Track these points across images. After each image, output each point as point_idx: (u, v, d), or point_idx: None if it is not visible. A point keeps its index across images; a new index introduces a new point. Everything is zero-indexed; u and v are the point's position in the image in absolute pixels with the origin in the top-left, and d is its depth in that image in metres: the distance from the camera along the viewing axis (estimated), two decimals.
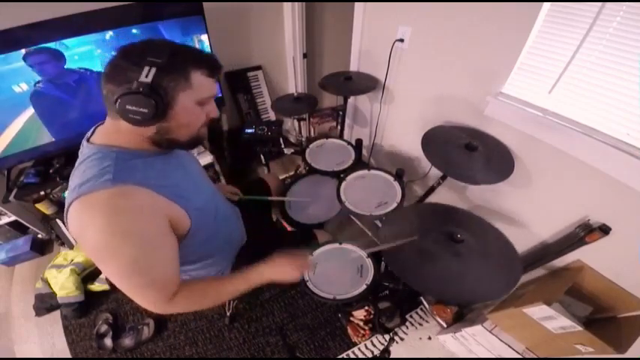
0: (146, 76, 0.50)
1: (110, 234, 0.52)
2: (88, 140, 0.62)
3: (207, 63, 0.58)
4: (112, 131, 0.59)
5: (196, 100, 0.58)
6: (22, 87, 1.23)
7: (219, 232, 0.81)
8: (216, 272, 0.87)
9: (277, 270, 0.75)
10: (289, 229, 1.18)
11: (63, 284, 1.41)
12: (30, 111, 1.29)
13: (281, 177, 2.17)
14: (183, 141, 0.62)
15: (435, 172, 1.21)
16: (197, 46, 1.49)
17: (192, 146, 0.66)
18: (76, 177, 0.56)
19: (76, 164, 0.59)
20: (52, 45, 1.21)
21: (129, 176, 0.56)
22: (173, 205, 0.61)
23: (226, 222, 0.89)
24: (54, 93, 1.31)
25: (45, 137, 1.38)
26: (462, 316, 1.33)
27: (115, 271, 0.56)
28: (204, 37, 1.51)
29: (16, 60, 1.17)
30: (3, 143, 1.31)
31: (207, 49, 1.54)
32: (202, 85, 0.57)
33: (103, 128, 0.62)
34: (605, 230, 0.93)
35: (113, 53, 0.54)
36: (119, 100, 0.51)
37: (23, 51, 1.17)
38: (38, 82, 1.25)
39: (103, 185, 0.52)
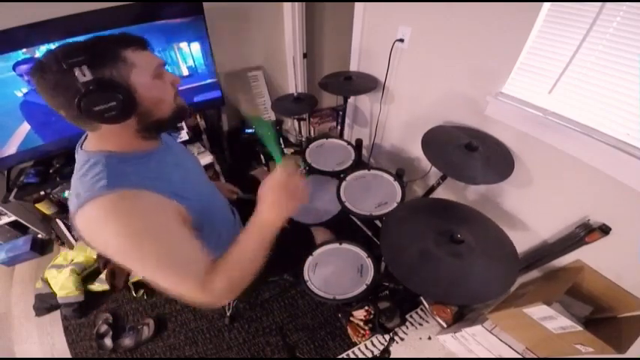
0: (84, 76, 0.48)
1: (126, 237, 0.52)
2: (81, 147, 0.62)
3: (130, 39, 0.56)
4: (97, 138, 0.59)
5: (151, 75, 0.56)
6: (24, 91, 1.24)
7: (219, 232, 0.80)
8: None
9: (277, 208, 0.63)
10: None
11: (63, 284, 1.42)
12: None
13: None
14: (168, 117, 0.61)
15: (435, 172, 1.21)
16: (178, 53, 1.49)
17: (179, 119, 0.64)
18: (74, 187, 0.56)
19: (74, 172, 0.59)
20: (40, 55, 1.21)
21: (123, 181, 0.55)
22: (174, 203, 0.61)
23: (226, 223, 0.87)
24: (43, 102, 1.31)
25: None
26: (462, 316, 1.33)
27: (147, 270, 0.55)
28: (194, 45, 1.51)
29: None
30: (16, 142, 1.33)
31: (199, 56, 1.54)
32: (142, 60, 0.55)
33: (90, 136, 0.61)
34: (605, 230, 0.93)
35: (29, 79, 0.52)
36: (82, 108, 0.49)
37: (22, 54, 1.17)
38: (27, 92, 1.24)
39: (99, 192, 0.52)
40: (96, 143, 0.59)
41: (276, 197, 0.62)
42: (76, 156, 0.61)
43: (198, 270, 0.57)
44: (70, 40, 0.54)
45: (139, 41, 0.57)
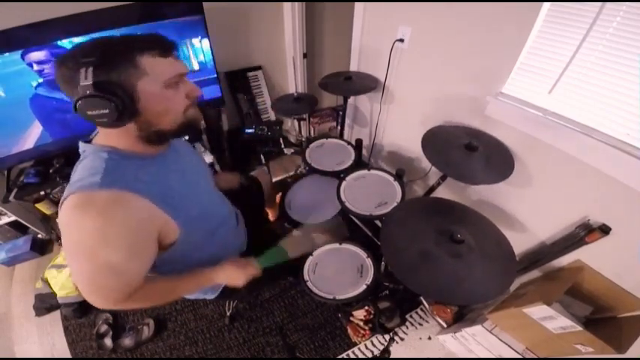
0: (85, 79, 0.47)
1: (95, 238, 0.52)
2: (91, 139, 0.62)
3: (153, 43, 0.53)
4: (103, 134, 0.59)
5: (162, 84, 0.54)
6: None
7: (215, 240, 0.79)
8: None
9: (227, 274, 0.77)
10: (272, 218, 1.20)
11: (63, 284, 1.41)
12: None
13: (281, 177, 2.17)
14: (172, 129, 0.59)
15: (435, 172, 1.21)
16: (190, 49, 1.49)
17: (186, 132, 0.62)
18: (73, 174, 0.57)
19: (78, 161, 0.60)
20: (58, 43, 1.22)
21: (118, 179, 0.54)
22: (163, 215, 0.60)
23: (224, 229, 0.85)
24: (56, 96, 1.31)
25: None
26: (462, 316, 1.33)
27: (85, 269, 0.55)
28: (204, 42, 1.51)
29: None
30: (34, 136, 1.35)
31: (208, 51, 1.54)
32: (158, 67, 0.53)
33: (98, 130, 0.62)
34: (605, 230, 0.93)
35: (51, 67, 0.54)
36: (78, 109, 0.50)
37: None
38: (39, 84, 1.25)
39: (89, 186, 0.52)
40: (103, 138, 0.59)
41: (233, 275, 0.77)
42: (84, 147, 0.61)
43: (122, 294, 0.60)
44: (77, 38, 0.55)
45: (164, 46, 0.55)
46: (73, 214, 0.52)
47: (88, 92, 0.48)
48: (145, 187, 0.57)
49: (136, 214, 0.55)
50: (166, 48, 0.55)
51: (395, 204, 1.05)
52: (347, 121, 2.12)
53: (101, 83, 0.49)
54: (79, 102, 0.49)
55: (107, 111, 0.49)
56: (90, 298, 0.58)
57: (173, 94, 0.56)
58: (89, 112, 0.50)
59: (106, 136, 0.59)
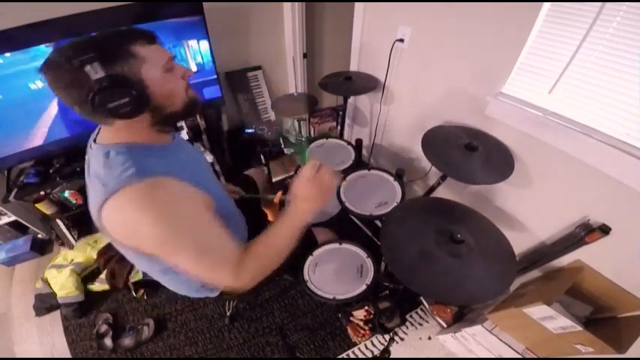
0: (96, 72, 0.48)
1: (163, 225, 0.52)
2: (94, 141, 0.61)
3: (138, 34, 0.56)
4: (113, 131, 0.59)
5: (161, 69, 0.56)
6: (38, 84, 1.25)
7: (231, 227, 0.79)
8: None
9: (308, 201, 0.66)
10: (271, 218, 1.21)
11: (63, 284, 1.42)
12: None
13: (281, 177, 2.17)
14: (180, 110, 0.61)
15: (435, 172, 1.21)
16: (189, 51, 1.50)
17: (192, 111, 0.65)
18: (98, 178, 0.55)
19: (90, 167, 0.59)
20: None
21: (151, 169, 0.55)
22: (200, 192, 0.62)
23: (235, 220, 0.87)
24: None
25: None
26: (462, 316, 1.33)
27: (185, 257, 0.56)
28: (199, 43, 1.52)
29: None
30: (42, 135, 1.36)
31: (207, 52, 1.55)
32: (152, 54, 0.55)
33: (105, 130, 0.61)
34: (605, 230, 0.93)
35: (42, 75, 0.51)
36: (95, 105, 0.50)
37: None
38: None
39: (129, 181, 0.52)
40: (113, 136, 0.59)
41: (307, 191, 0.65)
42: (90, 150, 0.61)
43: (232, 256, 0.61)
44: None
45: (148, 35, 0.56)
46: (131, 216, 0.52)
47: (104, 84, 0.49)
48: (175, 171, 0.59)
49: (176, 190, 0.57)
50: (151, 37, 0.57)
51: (395, 204, 1.05)
52: (347, 121, 2.12)
53: (113, 75, 0.50)
54: (97, 97, 0.49)
55: (127, 99, 0.51)
56: (215, 274, 0.60)
57: (172, 77, 0.59)
58: (109, 105, 0.50)
59: (116, 133, 0.58)
